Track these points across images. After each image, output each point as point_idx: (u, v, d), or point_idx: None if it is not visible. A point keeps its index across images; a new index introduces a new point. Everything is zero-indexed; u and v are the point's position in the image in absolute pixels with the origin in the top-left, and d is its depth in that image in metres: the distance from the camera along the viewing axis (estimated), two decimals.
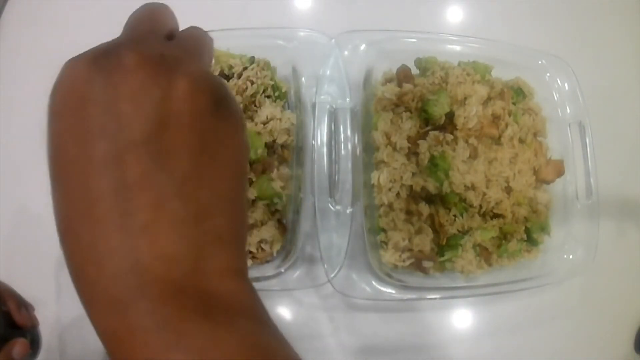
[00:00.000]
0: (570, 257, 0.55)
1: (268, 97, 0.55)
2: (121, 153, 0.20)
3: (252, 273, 0.51)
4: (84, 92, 0.20)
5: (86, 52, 0.22)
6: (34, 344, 0.46)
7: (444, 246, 0.53)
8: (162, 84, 0.20)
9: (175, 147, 0.20)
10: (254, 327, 0.22)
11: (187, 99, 0.21)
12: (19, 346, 0.43)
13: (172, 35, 0.25)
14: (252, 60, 0.56)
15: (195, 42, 0.25)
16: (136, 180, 0.19)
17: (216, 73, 0.55)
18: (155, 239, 0.20)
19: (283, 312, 0.56)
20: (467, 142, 0.55)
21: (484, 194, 0.53)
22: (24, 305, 0.47)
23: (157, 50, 0.21)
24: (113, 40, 0.23)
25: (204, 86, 0.22)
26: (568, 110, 0.58)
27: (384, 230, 0.53)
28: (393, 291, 0.52)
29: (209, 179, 0.21)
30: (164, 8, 0.26)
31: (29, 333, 0.46)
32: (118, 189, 0.19)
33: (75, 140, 0.20)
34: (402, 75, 0.58)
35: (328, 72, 0.54)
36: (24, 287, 0.48)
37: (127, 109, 0.20)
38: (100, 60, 0.21)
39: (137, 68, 0.20)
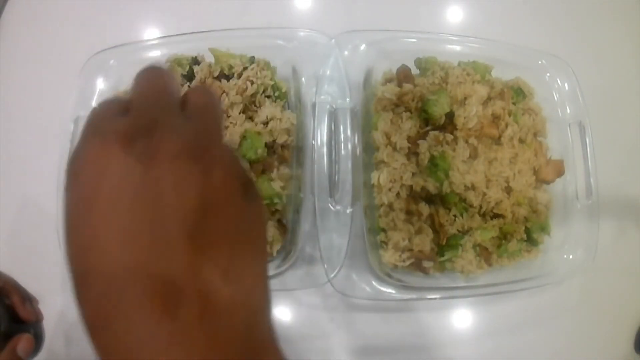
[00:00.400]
0: (570, 257, 0.55)
1: (268, 97, 0.55)
2: (169, 248, 0.19)
3: None
4: (121, 183, 0.19)
5: (104, 125, 0.21)
6: (38, 338, 0.45)
7: (444, 246, 0.53)
8: (199, 174, 0.20)
9: (216, 235, 0.20)
10: None
11: (223, 188, 0.21)
12: (23, 342, 0.42)
13: (184, 103, 0.24)
14: (252, 60, 0.56)
15: (211, 113, 0.24)
16: (185, 272, 0.19)
17: (216, 73, 0.55)
18: (211, 328, 0.19)
19: (283, 312, 0.56)
20: (467, 142, 0.55)
21: (484, 194, 0.53)
22: (28, 299, 0.46)
23: (188, 135, 0.21)
24: (136, 114, 0.22)
25: (235, 172, 0.22)
26: (568, 110, 0.58)
27: (384, 230, 0.53)
28: (393, 291, 0.52)
29: (247, 260, 0.22)
30: (169, 72, 0.25)
31: (33, 327, 0.45)
32: (166, 288, 0.19)
33: (117, 241, 0.19)
34: (402, 75, 0.58)
35: (328, 72, 0.54)
36: (28, 280, 0.47)
37: (171, 200, 0.19)
38: (135, 146, 0.20)
39: (175, 159, 0.20)
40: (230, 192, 0.21)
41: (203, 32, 0.57)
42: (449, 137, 0.54)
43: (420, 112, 0.55)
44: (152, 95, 0.23)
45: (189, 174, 0.20)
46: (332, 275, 0.49)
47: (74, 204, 0.20)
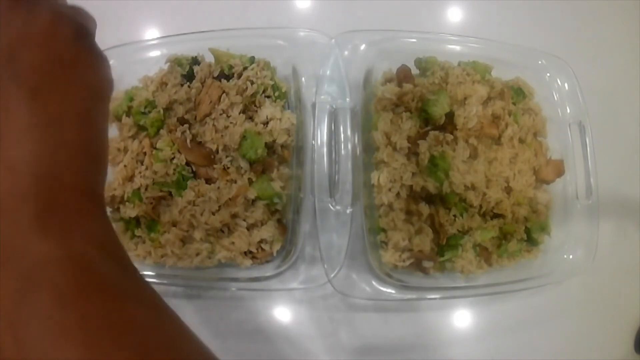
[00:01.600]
0: (570, 257, 0.55)
1: (268, 97, 0.55)
2: None
3: (252, 273, 0.52)
4: None
5: None
6: None
7: (444, 246, 0.53)
8: (25, 13, 0.23)
9: (33, 66, 0.23)
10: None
11: (46, 24, 0.24)
12: None
13: None
14: (252, 60, 0.56)
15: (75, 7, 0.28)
16: None
17: (216, 73, 0.55)
18: (9, 142, 0.22)
19: (283, 312, 0.56)
20: (467, 142, 0.55)
21: (484, 194, 0.53)
22: None
23: None
24: None
25: (65, 18, 0.25)
26: (568, 110, 0.58)
27: (384, 230, 0.53)
28: (393, 291, 0.52)
29: (62, 94, 0.24)
30: None
31: None
32: None
33: None
34: (402, 75, 0.58)
35: (328, 72, 0.53)
36: None
37: None
38: None
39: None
40: (54, 31, 0.24)
41: (203, 32, 0.57)
42: (449, 137, 0.54)
43: (420, 112, 0.55)
44: None
45: (13, 11, 0.23)
46: (332, 275, 0.49)
47: None
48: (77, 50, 0.25)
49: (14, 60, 0.23)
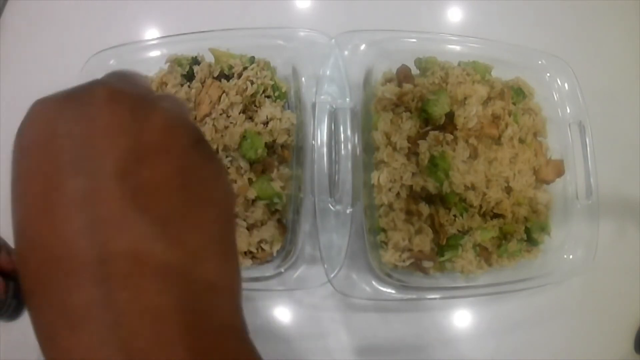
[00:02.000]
0: (570, 257, 0.55)
1: (268, 97, 0.55)
2: (94, 190, 0.17)
3: (252, 273, 0.52)
4: (55, 127, 0.18)
5: (56, 92, 0.20)
6: (20, 294, 0.44)
7: (444, 246, 0.53)
8: (138, 117, 0.19)
9: (155, 184, 0.18)
10: None
11: (165, 132, 0.19)
12: None
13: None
14: (252, 60, 0.56)
15: (169, 95, 0.24)
16: (112, 221, 0.17)
17: (216, 73, 0.55)
18: (138, 292, 0.17)
19: (283, 312, 0.56)
20: (467, 142, 0.55)
21: (484, 194, 0.53)
22: (6, 250, 0.44)
23: (133, 89, 0.20)
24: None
25: (182, 123, 0.20)
26: (568, 110, 0.58)
27: (384, 230, 0.53)
28: (393, 291, 0.52)
29: (195, 219, 0.19)
30: (137, 73, 0.25)
31: (12, 280, 0.43)
32: (91, 231, 0.17)
33: (45, 177, 0.18)
34: (402, 75, 0.58)
35: (328, 72, 0.53)
36: None
37: (101, 142, 0.18)
38: (71, 96, 0.19)
39: (111, 101, 0.19)
40: (175, 140, 0.19)
41: (203, 32, 0.57)
42: (449, 137, 0.54)
43: (420, 112, 0.55)
44: (108, 74, 0.23)
45: (126, 117, 0.19)
46: (332, 275, 0.49)
47: (15, 162, 0.19)
48: (199, 160, 0.20)
49: (130, 181, 0.18)
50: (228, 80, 0.55)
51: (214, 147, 0.52)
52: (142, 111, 0.19)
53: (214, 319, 0.19)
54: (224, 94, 0.54)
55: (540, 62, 0.60)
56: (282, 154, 0.55)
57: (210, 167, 0.21)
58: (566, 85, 0.59)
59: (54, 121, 0.18)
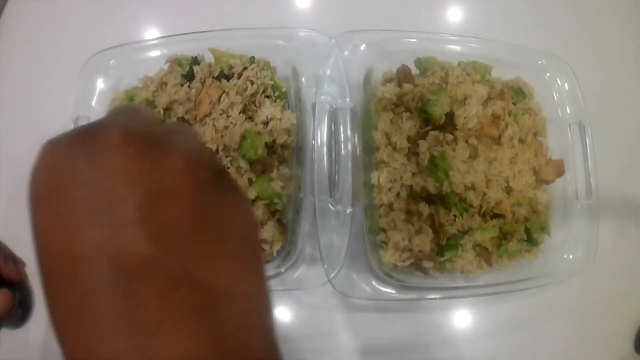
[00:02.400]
0: (570, 257, 0.55)
1: (268, 97, 0.55)
2: (116, 237, 0.17)
3: None
4: (69, 173, 0.18)
5: (67, 131, 0.20)
6: (25, 303, 0.43)
7: (444, 246, 0.53)
8: (154, 158, 0.18)
9: (177, 226, 0.18)
10: None
11: (183, 172, 0.19)
12: (0, 297, 0.40)
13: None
14: (252, 60, 0.56)
15: (180, 126, 0.23)
16: (137, 268, 0.17)
17: (216, 73, 0.55)
18: (170, 338, 0.17)
19: (283, 312, 0.56)
20: (467, 142, 0.55)
21: (484, 194, 0.53)
22: (12, 259, 0.43)
23: (147, 128, 0.20)
24: (96, 120, 0.21)
25: (199, 158, 0.20)
26: (568, 110, 0.58)
27: (384, 230, 0.53)
28: (393, 291, 0.52)
29: (221, 258, 0.19)
30: (142, 106, 0.24)
31: (18, 289, 0.43)
32: (117, 280, 0.17)
33: (64, 227, 0.18)
34: (402, 75, 0.58)
35: (328, 72, 0.53)
36: (24, 247, 0.47)
37: (118, 187, 0.18)
38: (84, 138, 0.19)
39: (125, 144, 0.18)
40: (194, 179, 0.19)
41: (203, 32, 0.57)
42: (449, 137, 0.54)
43: (420, 112, 0.55)
44: (117, 109, 0.22)
45: (142, 159, 0.18)
46: (332, 275, 0.49)
47: (32, 209, 0.19)
48: (219, 196, 0.20)
49: (150, 227, 0.17)
50: (228, 80, 0.55)
51: (214, 147, 0.52)
52: (157, 152, 0.19)
53: (250, 354, 0.19)
54: (224, 94, 0.54)
55: (540, 62, 0.60)
56: (282, 154, 0.55)
57: (231, 200, 0.20)
58: (566, 85, 0.59)
59: (68, 167, 0.18)
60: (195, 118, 0.54)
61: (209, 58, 0.57)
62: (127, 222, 0.17)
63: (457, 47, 0.60)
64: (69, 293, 0.17)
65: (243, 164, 0.52)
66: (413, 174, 0.53)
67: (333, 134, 0.53)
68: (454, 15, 0.70)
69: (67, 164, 0.18)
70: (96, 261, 0.17)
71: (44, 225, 0.18)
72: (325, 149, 0.52)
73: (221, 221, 0.19)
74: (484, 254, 0.54)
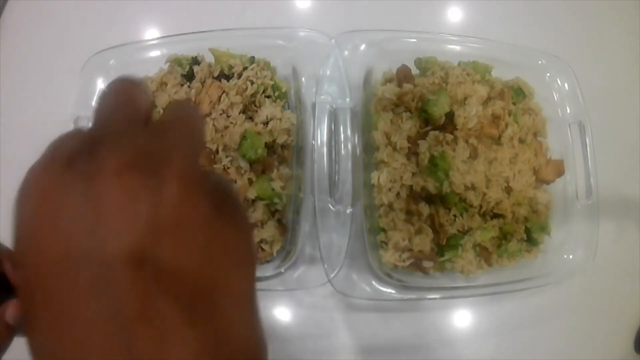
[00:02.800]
0: (570, 257, 0.55)
1: (268, 97, 0.55)
2: (111, 279, 0.16)
3: None
4: (60, 205, 0.17)
5: (55, 151, 0.19)
6: None
7: (444, 246, 0.53)
8: (150, 190, 0.17)
9: (176, 265, 0.17)
10: None
11: (182, 204, 0.18)
12: (12, 308, 0.40)
13: (149, 118, 0.21)
14: (252, 60, 0.56)
15: (181, 129, 0.21)
16: (133, 311, 0.16)
17: (216, 73, 0.55)
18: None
19: (283, 312, 0.56)
20: (467, 142, 0.55)
21: (484, 194, 0.53)
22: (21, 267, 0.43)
23: (140, 148, 0.18)
24: (87, 133, 0.19)
25: (197, 187, 0.18)
26: (568, 110, 0.58)
27: (384, 230, 0.53)
28: (393, 291, 0.52)
29: (223, 297, 0.18)
30: (138, 85, 0.22)
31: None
32: (112, 323, 0.16)
33: (56, 268, 0.17)
34: (402, 75, 0.58)
35: (328, 72, 0.53)
36: None
37: (113, 225, 0.17)
38: (76, 165, 0.17)
39: (120, 174, 0.17)
40: (192, 212, 0.18)
41: (203, 32, 0.57)
42: (449, 137, 0.54)
43: (420, 112, 0.55)
44: (110, 111, 0.21)
45: (136, 192, 0.17)
46: (332, 275, 0.49)
47: (17, 237, 0.18)
48: (221, 227, 0.19)
49: (148, 265, 0.17)
50: (228, 80, 0.55)
51: (214, 147, 0.52)
52: (155, 179, 0.17)
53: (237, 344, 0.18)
54: (224, 94, 0.54)
55: (540, 62, 0.60)
56: (282, 154, 0.55)
57: (234, 229, 0.20)
58: (566, 85, 0.59)
59: (58, 197, 0.17)
60: None
61: (209, 58, 0.57)
62: (122, 262, 0.16)
63: (457, 47, 0.60)
64: (64, 339, 0.17)
65: (243, 164, 0.52)
66: (413, 174, 0.53)
67: (333, 134, 0.53)
68: (454, 15, 0.70)
69: (58, 194, 0.17)
70: (90, 303, 0.16)
71: (34, 262, 0.17)
72: (325, 149, 0.52)
73: (224, 254, 0.19)
74: (484, 254, 0.54)
